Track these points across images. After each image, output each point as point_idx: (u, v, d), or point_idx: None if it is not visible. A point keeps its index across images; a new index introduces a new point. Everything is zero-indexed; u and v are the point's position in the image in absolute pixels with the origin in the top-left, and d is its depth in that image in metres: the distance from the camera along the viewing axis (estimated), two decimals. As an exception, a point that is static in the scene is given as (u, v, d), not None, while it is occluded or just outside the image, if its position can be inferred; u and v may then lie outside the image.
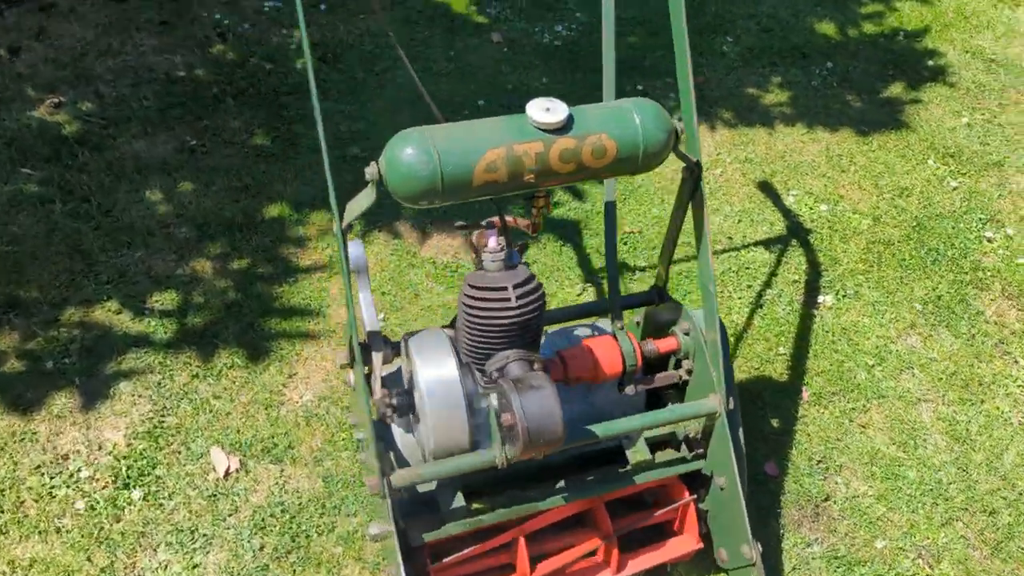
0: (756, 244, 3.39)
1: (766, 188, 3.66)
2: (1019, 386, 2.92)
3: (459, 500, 2.21)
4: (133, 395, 2.75)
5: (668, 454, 2.40)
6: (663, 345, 2.29)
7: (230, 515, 2.48)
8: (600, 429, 2.11)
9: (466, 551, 2.14)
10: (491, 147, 1.78)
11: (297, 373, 2.87)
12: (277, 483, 2.56)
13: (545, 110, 1.81)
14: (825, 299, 3.19)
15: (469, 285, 1.93)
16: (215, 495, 2.52)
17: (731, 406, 2.19)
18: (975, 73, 4.38)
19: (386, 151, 1.80)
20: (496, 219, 2.02)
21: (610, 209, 2.35)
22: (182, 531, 2.43)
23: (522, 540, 2.17)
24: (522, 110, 1.82)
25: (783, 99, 4.17)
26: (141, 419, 2.70)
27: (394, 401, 2.12)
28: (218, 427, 2.69)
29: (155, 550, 2.39)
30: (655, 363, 2.38)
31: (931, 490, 2.63)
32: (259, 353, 2.91)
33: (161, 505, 2.49)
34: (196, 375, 2.83)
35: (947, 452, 2.73)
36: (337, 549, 2.42)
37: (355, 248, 2.24)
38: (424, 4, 4.66)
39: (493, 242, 1.95)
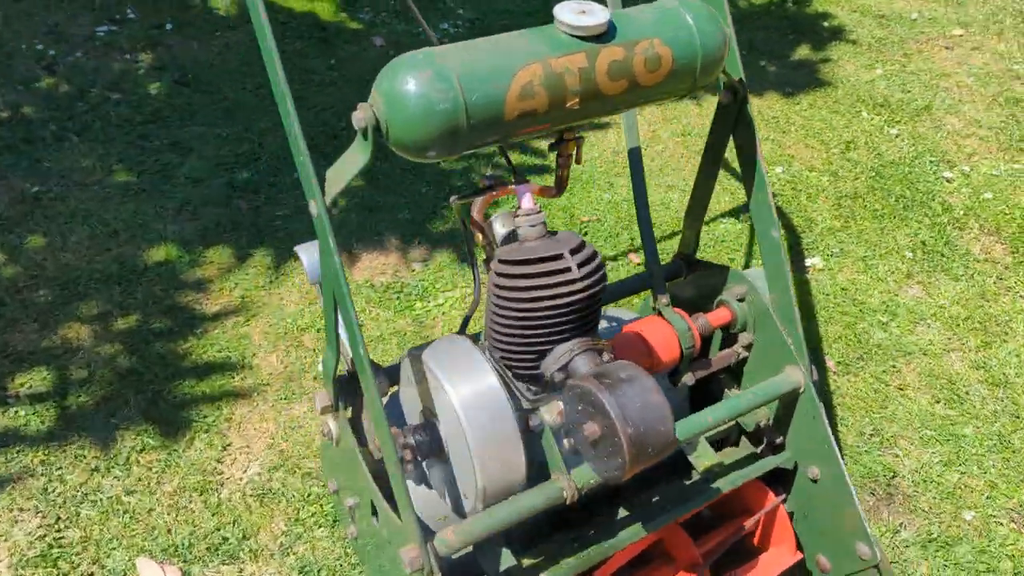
0: (724, 216, 3.05)
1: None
2: (1035, 320, 2.71)
3: (508, 559, 1.68)
4: (11, 510, 2.03)
5: (732, 452, 1.98)
6: (715, 318, 1.86)
7: (181, 645, 1.82)
8: (681, 429, 1.63)
9: (535, 625, 1.60)
10: (523, 65, 1.30)
11: (232, 443, 2.23)
12: (237, 589, 1.92)
13: (580, 12, 1.36)
14: (814, 261, 2.88)
15: (506, 262, 1.43)
16: (155, 622, 1.85)
17: (815, 377, 1.78)
18: (871, 29, 4.31)
19: (382, 85, 1.28)
20: (512, 185, 1.53)
21: (635, 156, 1.90)
22: None
23: (600, 593, 1.66)
24: None
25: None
26: (28, 541, 1.98)
27: (412, 440, 1.57)
28: (139, 531, 2.02)
29: None
30: (705, 347, 1.95)
31: (995, 445, 2.33)
32: (176, 427, 2.25)
33: (79, 652, 1.80)
34: (95, 469, 2.13)
35: (993, 401, 2.45)
36: (340, 660, 1.81)
37: (314, 254, 1.69)
38: (288, 16, 4.11)
39: (528, 201, 1.46)
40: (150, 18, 3.95)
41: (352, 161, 1.34)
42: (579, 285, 1.39)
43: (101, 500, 2.07)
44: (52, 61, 3.60)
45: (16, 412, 2.25)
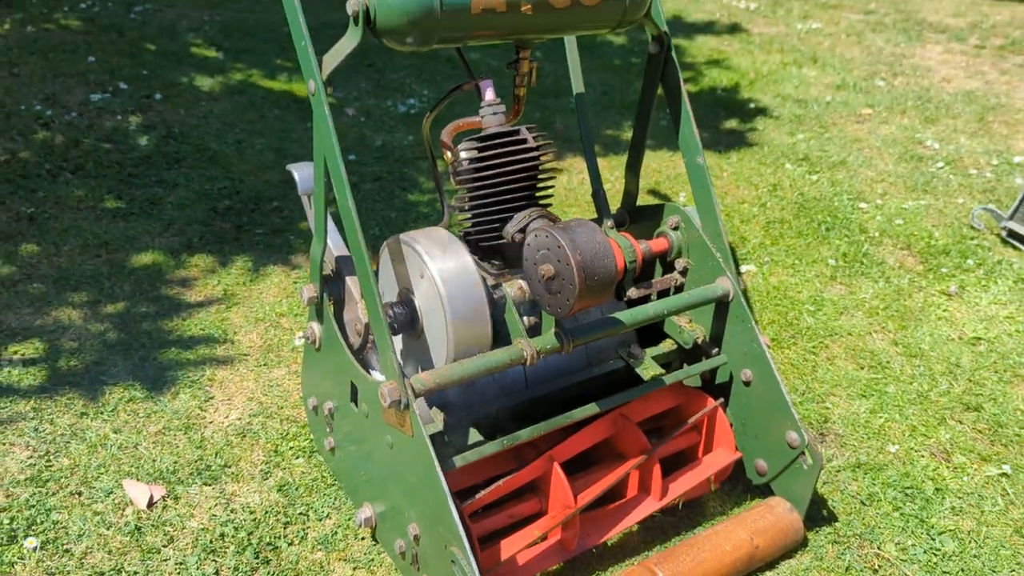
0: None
1: (656, 194, 3.72)
2: (946, 311, 3.01)
3: (475, 436, 1.85)
4: (2, 444, 2.14)
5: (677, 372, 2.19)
6: (655, 245, 2.13)
7: (165, 546, 1.91)
8: (626, 317, 1.87)
9: (500, 482, 1.76)
10: (487, -29, 1.63)
11: (215, 397, 2.38)
12: (219, 503, 2.03)
13: (532, -59, 1.71)
14: (749, 268, 3.19)
15: (475, 140, 1.71)
16: (139, 529, 1.95)
17: (742, 286, 2.04)
18: (791, 109, 4.84)
19: (372, -21, 1.59)
20: (470, 83, 1.83)
21: (581, 100, 2.22)
22: (102, 574, 1.83)
23: (557, 466, 1.82)
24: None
25: (639, 137, 4.35)
26: (19, 467, 2.08)
27: (391, 312, 1.78)
28: (126, 460, 2.13)
29: (68, 602, 1.77)
30: (646, 273, 2.21)
31: (913, 399, 2.57)
32: (162, 383, 2.40)
33: (67, 551, 1.88)
34: (83, 414, 2.26)
35: (912, 367, 2.71)
36: (317, 554, 1.92)
37: (305, 170, 1.95)
38: (266, 92, 4.51)
39: (491, 94, 1.76)
40: (141, 90, 4.32)
41: (344, 45, 1.63)
42: (534, 154, 1.67)
43: (89, 437, 2.19)
44: (48, 120, 3.91)
45: (9, 372, 2.39)
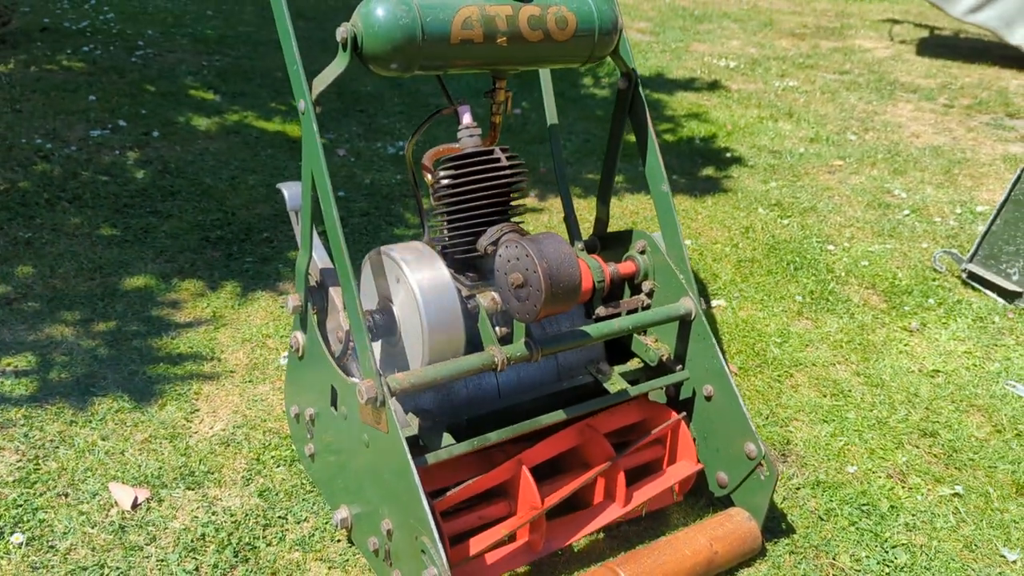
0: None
1: (632, 233, 3.87)
2: (907, 345, 3.14)
3: (448, 439, 1.95)
4: (-7, 448, 2.22)
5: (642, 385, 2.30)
6: (623, 268, 2.26)
7: (147, 544, 1.99)
8: (593, 331, 1.99)
9: (471, 481, 1.86)
10: (465, 5, 1.79)
11: (200, 409, 2.47)
12: (201, 506, 2.11)
13: (507, -21, 1.87)
14: (719, 303, 3.32)
15: (451, 160, 1.85)
16: (122, 528, 2.02)
17: (711, 306, 2.17)
18: (766, 159, 5.04)
19: (361, 9, 1.75)
20: (449, 108, 1.98)
21: (554, 131, 2.37)
22: (86, 568, 1.90)
23: (526, 469, 1.92)
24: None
25: (619, 180, 4.52)
26: (8, 469, 2.16)
27: (371, 320, 1.89)
28: (113, 465, 2.22)
29: (52, 594, 1.84)
30: (615, 295, 2.33)
31: (873, 424, 2.68)
32: (150, 396, 2.49)
33: (52, 547, 1.95)
34: (72, 422, 2.35)
35: (872, 396, 2.82)
36: (294, 555, 1.99)
37: (293, 188, 2.08)
38: (260, 133, 4.68)
39: (468, 118, 1.91)
40: (139, 128, 4.47)
41: (333, 69, 1.78)
42: (507, 172, 1.81)
43: (77, 443, 2.27)
44: (48, 153, 4.05)
45: (1, 382, 2.47)
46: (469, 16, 1.78)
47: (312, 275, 2.03)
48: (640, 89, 2.19)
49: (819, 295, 3.43)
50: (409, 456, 1.68)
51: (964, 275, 3.59)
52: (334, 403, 1.94)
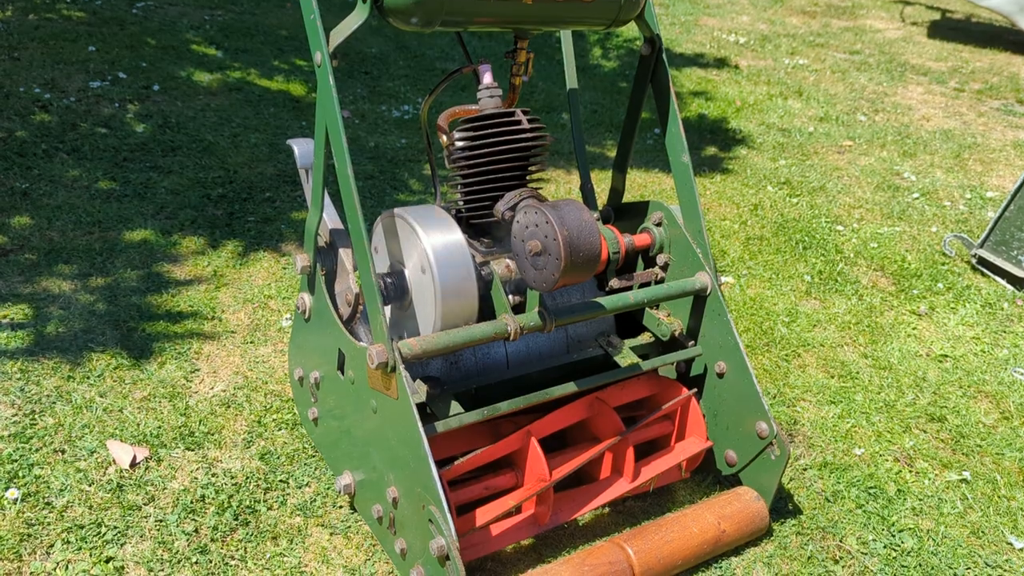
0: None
1: (640, 206, 3.81)
2: (915, 329, 3.11)
3: (456, 408, 1.91)
4: (-12, 401, 2.17)
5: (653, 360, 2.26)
6: (639, 240, 2.21)
7: (145, 504, 1.95)
8: (607, 303, 1.94)
9: (480, 450, 1.82)
10: (493, -44, 1.72)
11: (200, 369, 2.42)
12: (201, 467, 2.07)
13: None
14: (727, 280, 3.28)
15: (469, 121, 1.79)
16: (120, 487, 1.98)
17: (720, 282, 2.12)
18: (775, 137, 4.98)
19: (383, -41, 1.67)
20: (469, 67, 1.91)
21: (573, 96, 2.31)
22: (83, 527, 1.86)
23: (535, 441, 1.88)
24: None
25: (626, 154, 4.46)
26: (3, 424, 2.11)
27: (382, 282, 1.84)
28: (111, 422, 2.17)
29: (47, 551, 1.80)
30: (629, 267, 2.28)
31: (880, 407, 2.65)
32: (149, 353, 2.44)
33: (48, 504, 1.91)
34: (70, 377, 2.30)
35: (880, 379, 2.79)
36: (295, 519, 1.96)
37: (304, 145, 2.02)
38: (263, 91, 4.59)
39: (489, 77, 1.84)
40: (140, 81, 4.38)
41: (351, 21, 1.71)
42: (527, 135, 1.75)
43: (75, 399, 2.23)
44: (47, 103, 3.96)
45: (-3, 335, 2.42)
46: (496, -31, 1.71)
47: (322, 235, 1.97)
48: (664, 56, 2.12)
49: (828, 275, 3.39)
50: (419, 423, 1.63)
51: (974, 260, 3.55)
52: (341, 367, 1.90)
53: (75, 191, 3.27)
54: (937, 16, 8.91)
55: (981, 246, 3.52)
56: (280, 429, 2.23)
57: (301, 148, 2.01)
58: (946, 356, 2.96)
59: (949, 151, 4.95)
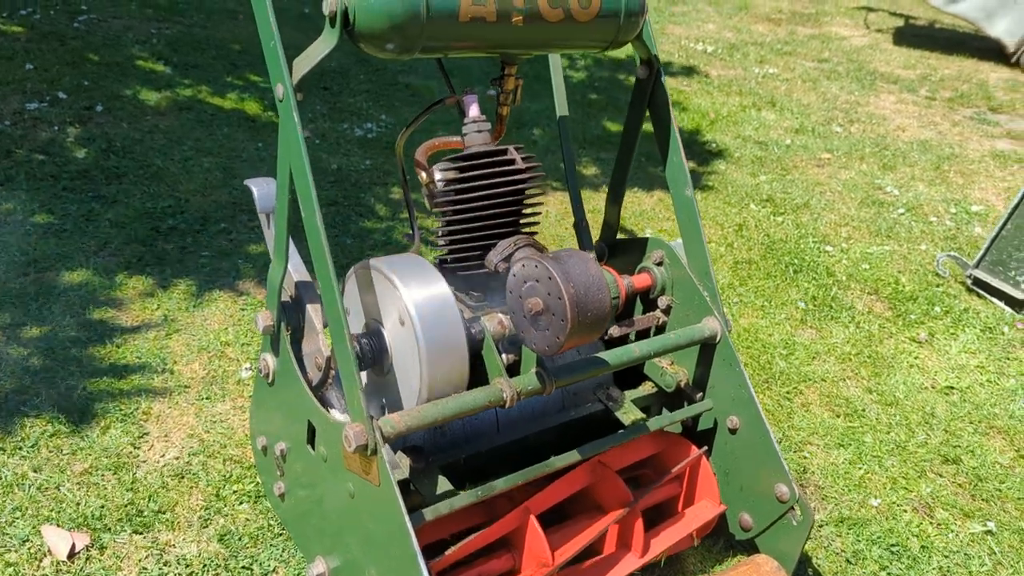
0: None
1: (623, 230, 3.62)
2: (917, 358, 2.95)
3: (444, 484, 1.68)
4: (-99, 483, 1.89)
5: (658, 418, 2.05)
6: (638, 281, 2.00)
7: (86, 604, 1.69)
8: (611, 358, 1.73)
9: (472, 537, 1.59)
10: (478, -24, 1.50)
11: (149, 432, 2.16)
12: (151, 554, 1.81)
13: (526, -50, 1.58)
14: (717, 308, 3.09)
15: (457, 159, 1.56)
16: (57, 584, 1.72)
17: (730, 328, 1.92)
18: (752, 151, 4.82)
19: (354, -24, 1.44)
20: (452, 97, 1.69)
21: (564, 124, 2.09)
22: (11, 637, 1.60)
23: (534, 519, 1.66)
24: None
25: (599, 171, 4.26)
26: (-81, 510, 1.84)
27: (357, 345, 1.60)
28: (46, 503, 1.90)
29: (-32, 671, 1.53)
30: (627, 311, 2.07)
31: (892, 449, 2.47)
32: (91, 416, 2.17)
33: (-30, 609, 1.64)
34: (0, 450, 2.02)
35: (887, 416, 2.62)
36: (261, 615, 1.71)
37: (264, 186, 1.78)
38: (215, 110, 4.30)
39: (476, 110, 1.62)
40: (81, 101, 4.07)
41: (319, 48, 1.48)
42: (522, 176, 1.53)
43: (4, 476, 1.95)
44: (-23, 127, 3.65)
45: (-86, 400, 2.13)
46: (482, -11, 1.49)
47: (286, 288, 1.73)
48: (663, 79, 1.92)
49: (822, 301, 3.22)
50: (405, 514, 1.40)
51: (969, 281, 3.41)
52: (311, 441, 1.66)
53: (8, 226, 2.97)
54: (901, 22, 8.89)
55: (976, 266, 3.38)
56: (241, 503, 1.97)
57: (261, 189, 1.77)
58: (952, 388, 2.80)
59: (929, 163, 4.84)
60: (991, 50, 7.34)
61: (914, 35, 8.33)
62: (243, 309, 2.72)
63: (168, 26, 5.53)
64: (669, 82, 6.04)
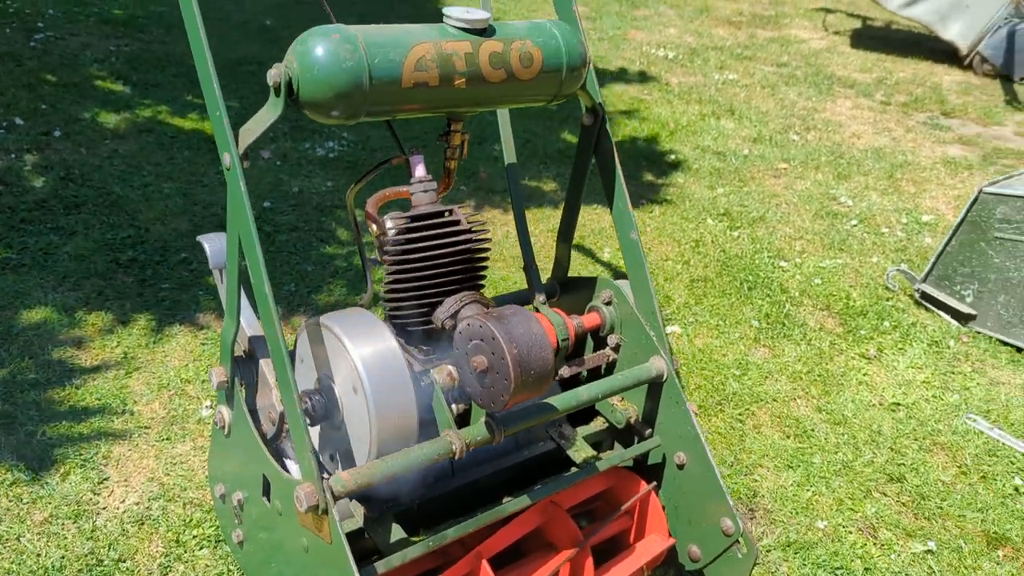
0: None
1: (581, 249, 3.67)
2: (865, 375, 3.04)
3: (398, 532, 1.72)
4: None
5: (609, 456, 2.11)
6: (588, 320, 2.06)
7: (47, 659, 1.71)
8: (559, 403, 1.78)
9: (425, 586, 1.64)
10: (419, 42, 1.54)
11: (109, 477, 2.18)
12: (111, 605, 1.84)
13: (466, 11, 1.63)
14: (674, 329, 3.16)
15: (404, 217, 1.60)
16: (18, 639, 1.74)
17: (676, 366, 1.99)
18: (711, 161, 4.90)
19: (296, 48, 1.48)
20: (399, 157, 1.73)
21: (513, 170, 2.14)
22: None
23: (486, 564, 1.71)
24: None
25: (560, 187, 4.32)
26: None
27: (308, 402, 1.64)
28: (7, 555, 1.92)
29: None
30: (577, 350, 2.13)
31: (839, 470, 2.56)
32: (50, 462, 2.19)
33: (-70, 669, 1.66)
34: (-42, 501, 2.04)
35: (835, 436, 2.70)
36: (221, 664, 1.75)
37: (216, 242, 1.81)
38: (175, 131, 4.30)
39: (422, 170, 1.66)
40: (38, 126, 4.05)
41: (264, 117, 1.51)
42: (466, 236, 1.58)
43: (-37, 529, 1.97)
44: (-68, 156, 3.62)
45: None
46: (423, 56, 1.53)
47: (240, 343, 1.76)
48: (608, 126, 1.97)
49: (775, 319, 3.30)
50: (355, 572, 1.45)
51: (917, 295, 3.51)
52: (266, 494, 1.70)
53: (-35, 263, 2.97)
54: (858, 24, 9.03)
55: (924, 280, 3.48)
56: (201, 547, 2.01)
57: (213, 246, 1.80)
58: (899, 404, 2.89)
59: (882, 171, 4.95)
60: (945, 52, 7.49)
61: (871, 37, 8.46)
62: (203, 344, 2.74)
63: (127, 42, 5.50)
64: (629, 91, 6.11)
